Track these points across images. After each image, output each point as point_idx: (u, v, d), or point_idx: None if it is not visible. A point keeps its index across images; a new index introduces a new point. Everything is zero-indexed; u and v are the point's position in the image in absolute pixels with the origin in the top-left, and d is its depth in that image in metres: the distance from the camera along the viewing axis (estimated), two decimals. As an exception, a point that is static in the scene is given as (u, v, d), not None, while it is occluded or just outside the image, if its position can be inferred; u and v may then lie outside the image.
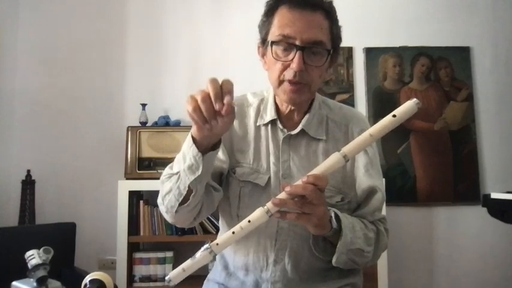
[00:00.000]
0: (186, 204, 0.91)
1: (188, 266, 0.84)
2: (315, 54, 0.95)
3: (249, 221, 0.81)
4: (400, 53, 2.65)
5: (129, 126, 2.34)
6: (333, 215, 0.91)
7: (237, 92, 1.16)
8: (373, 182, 1.03)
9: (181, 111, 2.51)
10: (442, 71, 2.66)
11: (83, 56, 2.56)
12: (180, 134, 2.31)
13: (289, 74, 0.94)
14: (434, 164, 2.58)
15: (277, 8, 0.97)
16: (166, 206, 0.94)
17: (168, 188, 0.92)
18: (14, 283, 0.84)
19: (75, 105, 2.53)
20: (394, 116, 0.78)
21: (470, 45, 2.68)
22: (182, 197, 0.90)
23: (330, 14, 0.98)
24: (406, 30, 2.67)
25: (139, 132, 2.31)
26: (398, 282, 2.43)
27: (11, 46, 2.48)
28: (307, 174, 0.80)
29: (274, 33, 0.96)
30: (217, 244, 0.83)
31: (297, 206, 0.80)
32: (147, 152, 2.29)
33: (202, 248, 0.84)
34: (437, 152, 2.60)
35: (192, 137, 0.85)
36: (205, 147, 0.86)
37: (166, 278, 0.85)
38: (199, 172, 0.86)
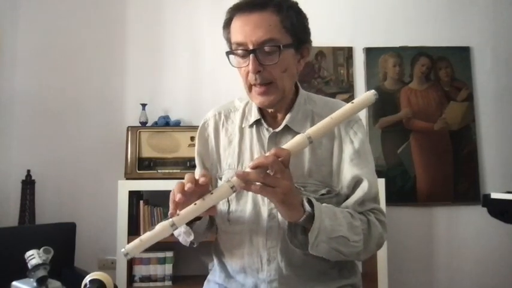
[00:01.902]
0: (195, 244, 1.07)
1: (147, 237, 0.80)
2: (270, 53, 0.96)
3: (211, 193, 0.83)
4: (400, 53, 2.65)
5: (129, 126, 2.34)
6: (305, 199, 0.89)
7: (236, 92, 1.17)
8: (358, 171, 1.01)
9: (181, 111, 2.51)
10: (442, 71, 2.66)
11: (83, 56, 2.56)
12: (180, 134, 2.31)
13: (251, 78, 0.97)
14: (434, 164, 2.58)
15: (232, 18, 1.01)
16: (181, 242, 1.07)
17: (177, 233, 1.04)
18: (14, 283, 0.84)
19: (75, 105, 2.53)
20: (352, 103, 0.88)
21: (470, 45, 2.68)
22: (189, 243, 1.05)
23: (281, 8, 0.97)
24: (406, 30, 2.67)
25: (139, 132, 2.31)
26: (398, 282, 2.43)
27: (11, 46, 2.48)
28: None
29: (231, 44, 1.00)
30: (178, 215, 0.81)
31: (259, 177, 0.81)
32: (147, 152, 2.29)
33: (163, 220, 0.83)
34: (437, 152, 2.60)
35: None
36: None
37: (122, 250, 0.79)
38: (193, 236, 1.00)
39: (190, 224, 0.96)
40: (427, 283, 2.56)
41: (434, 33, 2.67)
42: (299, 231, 0.91)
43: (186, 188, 0.82)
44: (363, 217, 0.98)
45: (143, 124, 2.39)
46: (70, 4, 2.58)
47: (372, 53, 2.65)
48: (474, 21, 2.69)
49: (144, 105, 2.43)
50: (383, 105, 2.61)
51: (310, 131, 0.85)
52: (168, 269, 2.26)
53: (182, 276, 2.37)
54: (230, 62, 1.03)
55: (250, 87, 1.00)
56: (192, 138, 2.28)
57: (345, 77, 2.64)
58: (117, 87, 2.56)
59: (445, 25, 2.68)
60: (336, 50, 2.62)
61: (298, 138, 0.85)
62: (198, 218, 0.95)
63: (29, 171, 2.30)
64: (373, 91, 0.87)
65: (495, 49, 2.69)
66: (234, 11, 1.00)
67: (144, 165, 2.26)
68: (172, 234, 1.08)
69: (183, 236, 1.02)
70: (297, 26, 0.99)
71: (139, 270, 2.25)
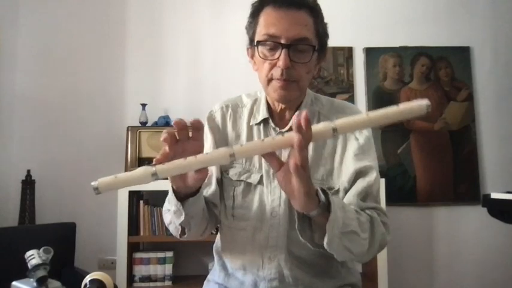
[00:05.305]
0: (186, 235, 0.98)
1: (123, 177, 0.72)
2: (301, 52, 0.96)
3: (207, 154, 0.74)
4: (400, 53, 2.65)
5: (129, 126, 2.34)
6: (319, 188, 0.82)
7: (236, 92, 1.17)
8: (362, 164, 0.99)
9: (181, 111, 2.51)
10: (442, 71, 2.66)
11: (82, 56, 2.56)
12: (180, 134, 2.30)
13: (276, 73, 0.96)
14: (434, 164, 2.58)
15: (262, 8, 0.99)
16: (172, 232, 1.01)
17: (168, 220, 0.99)
18: (14, 283, 0.84)
19: (75, 105, 2.53)
20: (397, 106, 0.74)
21: (470, 45, 2.68)
22: (180, 231, 0.97)
23: (315, 11, 0.99)
24: (406, 30, 2.67)
25: (139, 132, 2.31)
26: (398, 282, 2.43)
27: (11, 46, 2.48)
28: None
29: (260, 33, 0.98)
30: (163, 166, 0.72)
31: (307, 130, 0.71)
32: (147, 152, 2.29)
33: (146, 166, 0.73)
34: (437, 152, 2.60)
35: (172, 187, 0.89)
36: (184, 194, 0.89)
37: (93, 183, 0.71)
38: (183, 217, 0.91)
39: (182, 201, 0.89)
40: (427, 283, 2.56)
41: (434, 33, 2.67)
42: (307, 226, 0.87)
43: (174, 122, 0.75)
44: (366, 214, 0.94)
45: (143, 124, 2.39)
46: (70, 4, 2.59)
47: (372, 53, 2.65)
48: (474, 21, 2.69)
49: (144, 105, 2.43)
50: (383, 106, 2.58)
51: (338, 122, 0.72)
52: (168, 269, 2.26)
53: (182, 276, 2.36)
54: (248, 53, 1.04)
55: (269, 81, 0.98)
56: (192, 138, 2.28)
57: (345, 77, 2.64)
58: (117, 87, 2.56)
59: (445, 25, 2.68)
60: (336, 50, 2.63)
61: (322, 125, 0.73)
62: (192, 195, 0.89)
63: (29, 171, 2.30)
64: (426, 101, 0.71)
65: (495, 49, 2.69)
66: (265, 2, 0.99)
67: (144, 165, 2.26)
68: (172, 235, 1.06)
69: (174, 218, 0.94)
70: (323, 31, 1.01)
71: (139, 270, 2.25)
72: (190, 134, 0.78)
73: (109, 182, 0.71)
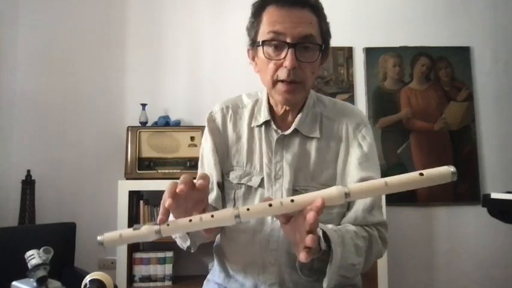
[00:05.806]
0: (193, 250, 1.00)
1: (128, 234, 0.72)
2: (307, 50, 0.94)
3: (212, 216, 0.71)
4: (400, 53, 2.65)
5: (129, 126, 2.34)
6: (320, 234, 0.81)
7: (236, 92, 1.17)
8: (367, 174, 0.97)
9: (181, 111, 2.52)
10: (442, 71, 2.66)
11: (83, 55, 2.56)
12: (180, 134, 2.31)
13: (282, 74, 0.94)
14: (434, 164, 2.49)
15: (264, 7, 0.97)
16: (178, 245, 1.01)
17: (174, 235, 0.98)
18: (14, 283, 0.84)
19: (75, 105, 2.53)
20: (421, 174, 0.68)
21: (470, 45, 2.68)
22: (186, 248, 0.99)
23: (317, 10, 0.97)
24: (406, 30, 2.67)
25: (139, 132, 2.31)
26: (398, 282, 2.43)
27: (11, 46, 2.48)
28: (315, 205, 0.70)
29: (264, 32, 0.96)
30: (167, 225, 0.71)
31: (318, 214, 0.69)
32: (147, 152, 2.29)
33: (151, 223, 0.73)
34: (437, 152, 2.60)
35: None
36: None
37: (99, 237, 0.71)
38: (189, 241, 0.94)
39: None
40: (427, 283, 2.56)
41: (434, 33, 2.67)
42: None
43: (177, 190, 0.71)
44: (366, 234, 0.94)
45: (143, 124, 2.39)
46: (70, 4, 2.59)
47: (372, 53, 2.65)
48: (474, 21, 2.69)
49: (144, 105, 2.43)
50: (383, 105, 2.61)
51: (352, 187, 0.70)
52: (168, 269, 2.26)
53: (182, 276, 2.36)
54: (248, 55, 1.02)
55: (275, 83, 0.95)
56: (192, 138, 2.28)
57: (345, 77, 2.64)
58: (117, 87, 2.56)
59: (445, 25, 2.68)
60: (336, 50, 2.63)
61: (334, 191, 0.69)
62: None
63: (29, 171, 2.30)
64: (452, 168, 0.67)
65: (495, 49, 2.69)
66: (267, 1, 0.96)
67: (144, 165, 2.26)
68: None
69: (179, 240, 0.98)
70: (326, 30, 0.99)
71: (140, 270, 2.25)
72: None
73: (113, 238, 0.73)
